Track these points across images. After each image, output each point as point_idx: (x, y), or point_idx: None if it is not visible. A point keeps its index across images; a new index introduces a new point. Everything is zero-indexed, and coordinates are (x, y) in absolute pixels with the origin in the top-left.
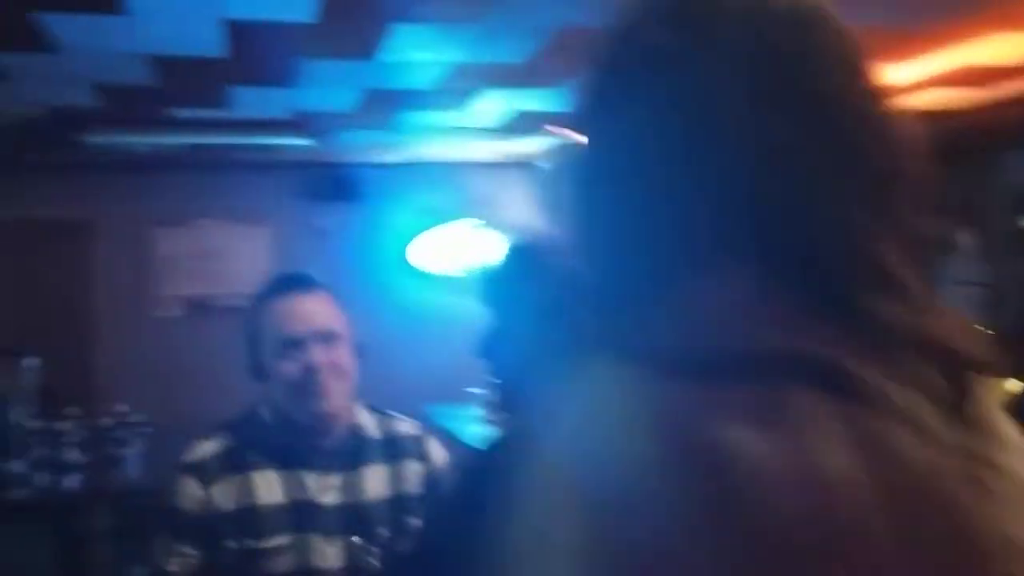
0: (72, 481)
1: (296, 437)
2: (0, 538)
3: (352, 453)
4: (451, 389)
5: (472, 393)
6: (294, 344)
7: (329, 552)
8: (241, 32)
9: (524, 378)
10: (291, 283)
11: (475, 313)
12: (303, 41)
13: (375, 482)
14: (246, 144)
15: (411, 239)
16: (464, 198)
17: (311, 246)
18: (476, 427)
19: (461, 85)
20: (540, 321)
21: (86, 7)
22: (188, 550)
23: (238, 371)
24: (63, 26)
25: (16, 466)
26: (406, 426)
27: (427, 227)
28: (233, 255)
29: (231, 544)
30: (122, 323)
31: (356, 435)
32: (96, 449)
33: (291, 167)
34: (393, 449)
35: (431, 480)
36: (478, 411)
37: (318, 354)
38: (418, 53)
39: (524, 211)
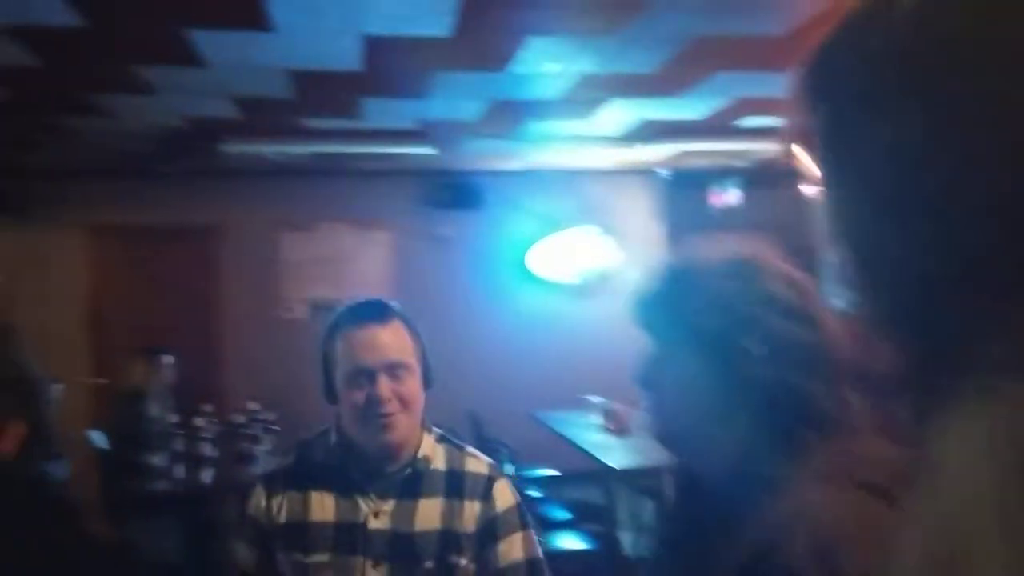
0: (205, 475)
1: (357, 461)
2: (140, 528)
3: (411, 482)
4: (567, 396)
5: (589, 401)
6: (362, 375)
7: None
8: (377, 46)
9: (685, 409)
10: (365, 313)
11: (591, 320)
12: (436, 54)
13: (428, 514)
14: (372, 153)
15: (530, 246)
16: (583, 206)
17: (431, 252)
18: (592, 435)
19: (587, 95)
20: (705, 348)
21: (236, 24)
22: (246, 553)
23: None
24: (210, 42)
25: (156, 459)
26: (477, 464)
27: (546, 234)
28: (355, 260)
29: (280, 555)
30: (250, 324)
31: (419, 465)
32: (228, 445)
33: (413, 175)
34: (455, 484)
35: (490, 522)
36: (594, 419)
37: (385, 386)
38: (550, 64)
39: (643, 219)
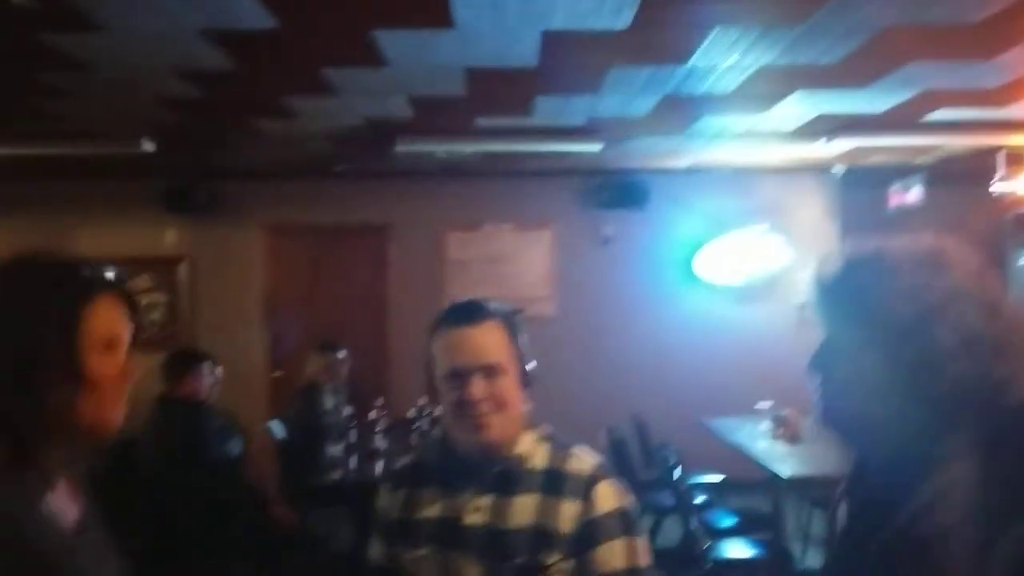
0: (378, 467)
1: (458, 459)
2: (316, 518)
3: (506, 479)
4: (735, 401)
5: (758, 407)
6: (457, 376)
7: (471, 572)
8: (553, 42)
9: (858, 394)
10: (461, 314)
11: (760, 323)
12: (612, 49)
13: (522, 510)
14: (539, 151)
15: (697, 247)
16: (753, 205)
17: (595, 252)
18: (760, 442)
19: (764, 88)
20: (893, 336)
21: (420, 23)
22: (376, 547)
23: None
24: (393, 42)
25: (332, 451)
26: (580, 464)
27: (714, 235)
28: (519, 259)
29: (393, 549)
30: (416, 321)
31: (517, 463)
32: (398, 438)
33: (578, 174)
34: (554, 483)
35: (588, 524)
36: (763, 425)
37: (479, 387)
38: (728, 57)
39: (816, 219)
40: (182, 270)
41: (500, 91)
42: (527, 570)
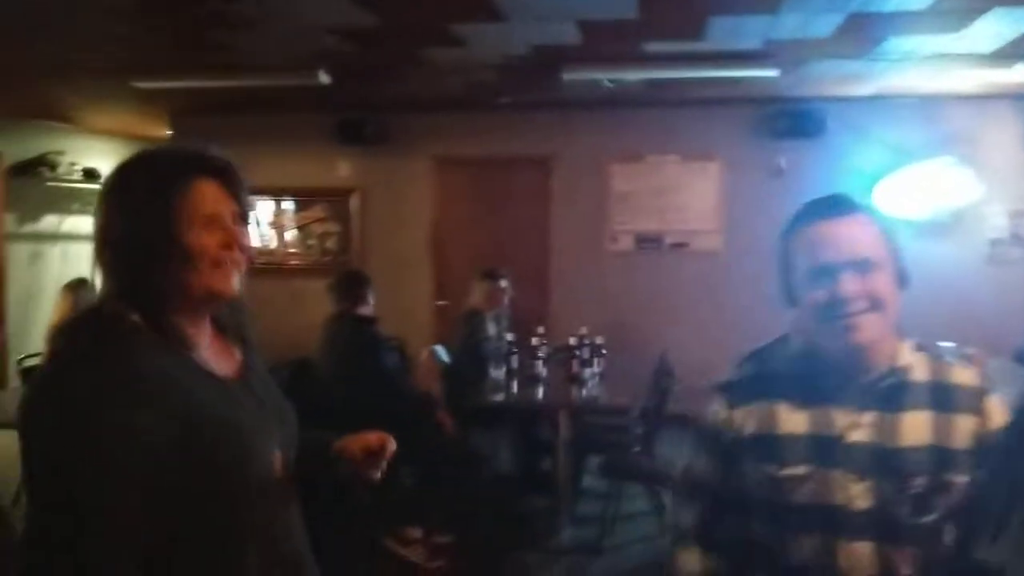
0: (537, 393)
1: (825, 370)
2: (477, 437)
3: (891, 393)
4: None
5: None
6: (824, 273)
7: (854, 491)
8: None
9: None
10: (827, 206)
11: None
12: None
13: (915, 428)
14: (711, 78)
15: (878, 179)
16: (941, 135)
17: (766, 185)
18: None
19: (959, 5)
20: None
21: None
22: (703, 463)
23: (685, 306)
24: None
25: (494, 375)
26: (964, 375)
27: (896, 166)
28: (685, 192)
29: (749, 467)
30: (577, 253)
31: (897, 375)
32: (559, 366)
33: (749, 102)
34: (943, 397)
35: (985, 439)
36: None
37: (850, 283)
38: None
39: (1010, 150)
40: (354, 201)
41: (672, 12)
42: (927, 491)
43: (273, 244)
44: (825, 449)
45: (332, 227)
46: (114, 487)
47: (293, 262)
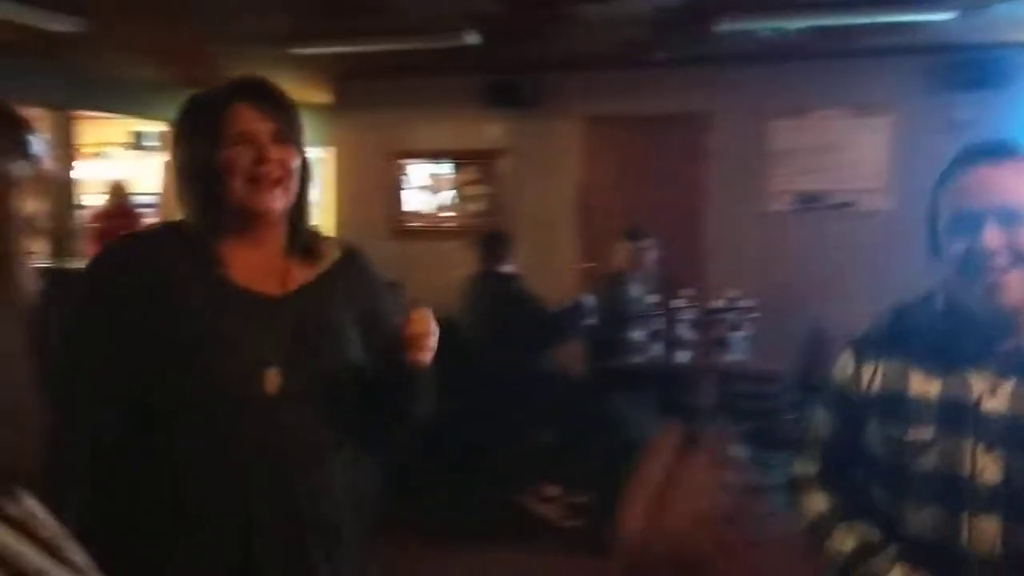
0: (682, 356)
1: (965, 331)
2: (618, 399)
3: None
4: None
5: None
6: (967, 220)
7: (986, 462)
8: None
9: None
10: (980, 151)
11: None
12: None
13: None
14: (881, 23)
15: None
16: None
17: (943, 140)
18: None
19: None
20: None
21: None
22: (824, 416)
23: (847, 269)
24: None
25: (635, 336)
26: None
27: None
28: (851, 149)
29: (872, 428)
30: (734, 214)
31: None
32: (706, 329)
33: (922, 51)
34: None
35: None
36: None
37: (994, 235)
38: None
39: None
40: (503, 163)
41: None
42: None
43: (428, 207)
44: (957, 415)
45: (482, 189)
46: (85, 332)
47: (446, 224)
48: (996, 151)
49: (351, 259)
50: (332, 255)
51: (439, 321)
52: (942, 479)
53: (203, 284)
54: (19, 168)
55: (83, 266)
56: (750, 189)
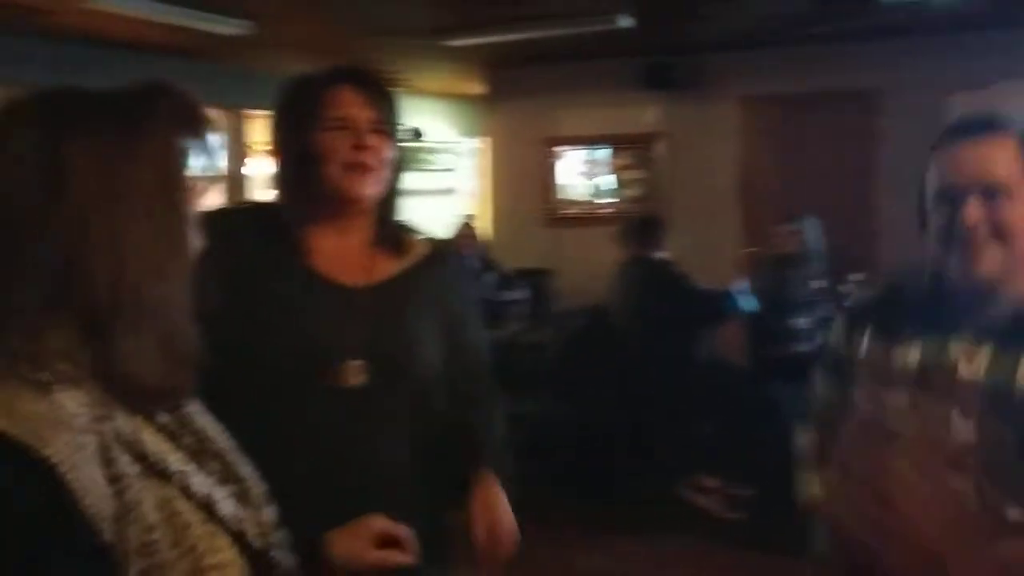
0: None
1: (948, 298)
2: (781, 389)
3: (1011, 331)
4: None
5: None
6: (948, 195)
7: (960, 426)
8: None
9: None
10: (964, 127)
11: None
12: None
13: None
14: None
15: None
16: None
17: None
18: None
19: None
20: None
21: None
22: (822, 381)
23: None
24: None
25: (800, 323)
26: None
27: None
28: None
29: (858, 389)
30: (907, 196)
31: (1022, 312)
32: None
33: None
34: None
35: None
36: None
37: (974, 209)
38: None
39: None
40: (659, 147)
41: None
42: None
43: (582, 194)
44: (933, 379)
45: (638, 174)
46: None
47: (603, 211)
48: (979, 127)
49: (441, 258)
50: (421, 250)
51: (592, 308)
52: (920, 441)
53: (286, 270)
54: (200, 165)
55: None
56: (924, 167)
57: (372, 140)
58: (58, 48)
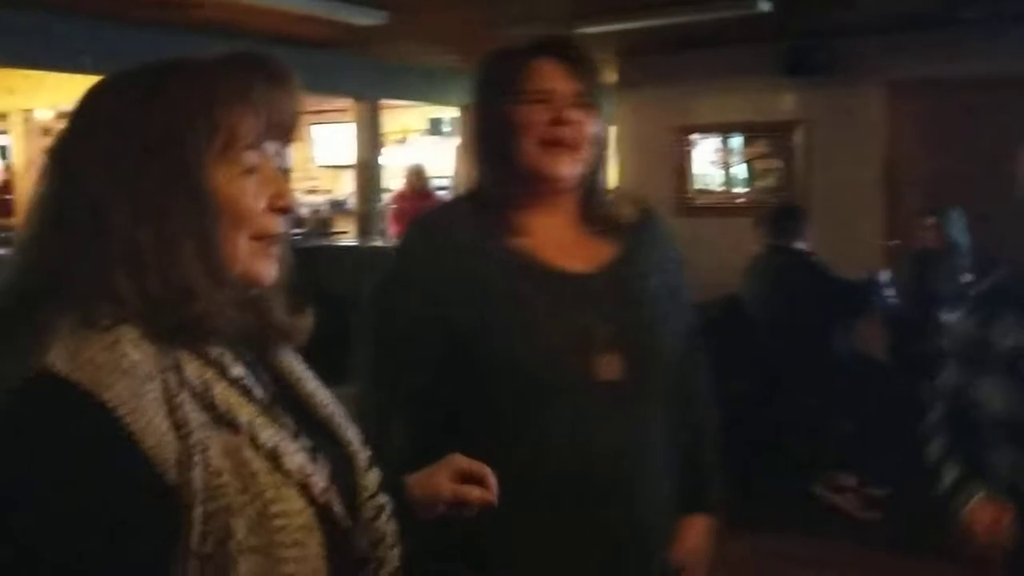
0: None
1: None
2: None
3: None
4: None
5: None
6: None
7: None
8: None
9: None
10: None
11: None
12: None
13: None
14: None
15: None
16: None
17: None
18: None
19: None
20: None
21: None
22: (949, 371)
23: None
24: None
25: (946, 319)
26: None
27: None
28: None
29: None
30: None
31: None
32: None
33: None
34: None
35: None
36: None
37: None
38: None
39: None
40: (798, 135)
41: None
42: None
43: (716, 183)
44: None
45: (774, 163)
46: (394, 316)
47: (737, 200)
48: None
49: (651, 224)
50: (629, 219)
51: (726, 299)
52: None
53: (509, 261)
54: (287, 158)
55: (387, 244)
56: None
57: (573, 115)
58: (198, 41)
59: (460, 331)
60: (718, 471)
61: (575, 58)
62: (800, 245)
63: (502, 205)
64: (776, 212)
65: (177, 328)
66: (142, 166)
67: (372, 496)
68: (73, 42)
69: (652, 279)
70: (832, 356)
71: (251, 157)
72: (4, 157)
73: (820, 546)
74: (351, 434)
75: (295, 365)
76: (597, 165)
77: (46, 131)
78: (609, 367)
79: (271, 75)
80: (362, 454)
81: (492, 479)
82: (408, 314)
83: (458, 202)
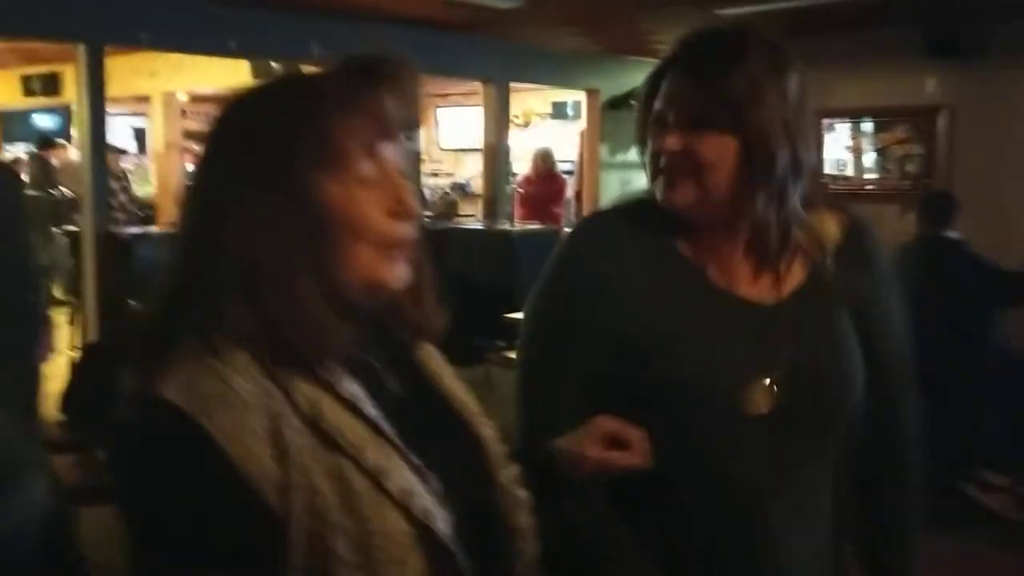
0: None
1: None
2: None
3: None
4: None
5: None
6: None
7: None
8: None
9: None
10: None
11: None
12: None
13: None
14: None
15: None
16: None
17: None
18: None
19: None
20: None
21: None
22: None
23: None
24: None
25: None
26: None
27: None
28: None
29: None
30: None
31: None
32: None
33: None
34: None
35: None
36: None
37: None
38: None
39: None
40: (941, 120)
41: None
42: None
43: (850, 168)
44: None
45: (914, 149)
46: (546, 329)
47: (870, 187)
48: None
49: (857, 241)
50: (830, 235)
51: None
52: None
53: (677, 281)
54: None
55: (512, 228)
56: None
57: (678, 140)
58: (338, 26)
59: (626, 348)
60: (919, 544)
61: (700, 70)
62: (952, 233)
63: (680, 218)
64: (929, 199)
65: (290, 352)
66: (256, 184)
67: (508, 491)
68: (220, 27)
69: (839, 310)
70: (985, 348)
71: (364, 165)
72: (140, 140)
73: (968, 546)
74: (487, 429)
75: (433, 360)
76: (779, 184)
77: (184, 113)
78: (761, 400)
79: (381, 78)
80: (498, 448)
81: (643, 443)
82: (572, 324)
83: (633, 205)
